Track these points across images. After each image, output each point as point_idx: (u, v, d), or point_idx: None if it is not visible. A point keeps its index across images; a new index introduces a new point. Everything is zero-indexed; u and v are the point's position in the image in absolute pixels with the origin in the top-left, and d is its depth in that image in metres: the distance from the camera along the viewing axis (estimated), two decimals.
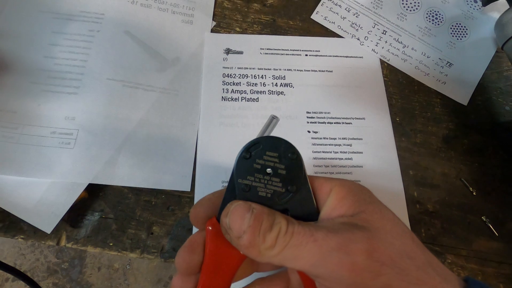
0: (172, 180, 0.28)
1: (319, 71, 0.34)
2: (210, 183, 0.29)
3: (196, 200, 0.28)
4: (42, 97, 0.28)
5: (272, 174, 0.17)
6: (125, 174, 0.28)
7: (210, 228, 0.17)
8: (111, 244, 0.27)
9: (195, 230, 0.27)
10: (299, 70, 0.34)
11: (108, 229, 0.27)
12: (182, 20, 0.35)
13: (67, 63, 0.30)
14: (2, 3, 0.31)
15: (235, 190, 0.17)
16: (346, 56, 0.35)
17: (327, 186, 0.18)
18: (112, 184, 0.28)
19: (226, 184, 0.29)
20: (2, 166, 0.26)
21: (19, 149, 0.27)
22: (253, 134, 0.31)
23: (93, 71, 0.30)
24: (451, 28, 0.36)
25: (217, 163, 0.29)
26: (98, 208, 0.28)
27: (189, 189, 0.28)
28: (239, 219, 0.16)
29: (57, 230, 0.26)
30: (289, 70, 0.34)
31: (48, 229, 0.25)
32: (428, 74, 0.35)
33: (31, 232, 0.27)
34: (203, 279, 0.17)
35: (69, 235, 0.27)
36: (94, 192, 0.28)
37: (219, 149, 0.30)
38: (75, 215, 0.27)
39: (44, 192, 0.26)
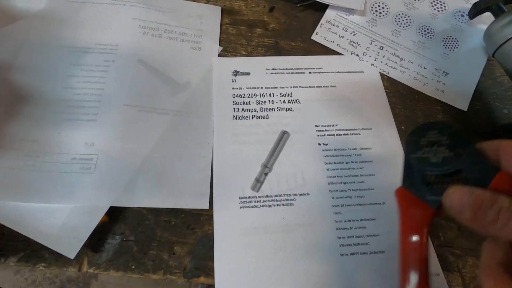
0: (190, 199, 0.29)
1: (324, 86, 0.36)
2: (228, 199, 0.29)
3: (215, 217, 0.28)
4: (62, 125, 0.30)
5: (438, 145, 0.20)
6: (144, 196, 0.28)
7: (398, 196, 0.22)
8: (133, 267, 0.27)
9: (217, 247, 0.27)
10: (304, 87, 0.36)
11: (129, 251, 0.27)
12: (191, 47, 0.37)
13: (85, 92, 0.31)
14: (22, 39, 0.33)
15: (410, 165, 0.22)
16: (348, 72, 0.37)
17: (491, 145, 0.19)
18: (133, 206, 0.28)
19: (243, 199, 0.29)
20: (25, 194, 0.26)
21: (42, 177, 0.27)
22: (266, 149, 0.32)
23: (110, 98, 0.31)
24: (443, 40, 0.39)
25: (233, 179, 0.30)
26: (119, 231, 0.28)
27: (207, 207, 0.29)
28: (458, 200, 0.18)
29: (78, 256, 0.26)
30: (295, 87, 0.36)
31: (71, 255, 0.25)
32: (427, 83, 0.37)
33: (52, 259, 0.27)
34: (402, 234, 0.22)
35: (91, 260, 0.27)
36: (114, 215, 0.28)
37: (235, 166, 0.31)
38: (95, 240, 0.27)
39: (67, 218, 0.26)
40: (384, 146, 0.33)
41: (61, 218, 0.26)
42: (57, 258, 0.26)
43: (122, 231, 0.28)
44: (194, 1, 0.41)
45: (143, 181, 0.29)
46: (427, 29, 0.39)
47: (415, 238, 0.21)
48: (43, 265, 0.26)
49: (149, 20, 0.37)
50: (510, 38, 0.33)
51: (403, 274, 0.21)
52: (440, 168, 0.20)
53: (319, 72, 0.37)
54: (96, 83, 0.32)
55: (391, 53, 0.38)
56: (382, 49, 0.38)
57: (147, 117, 0.31)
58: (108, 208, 0.27)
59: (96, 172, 0.28)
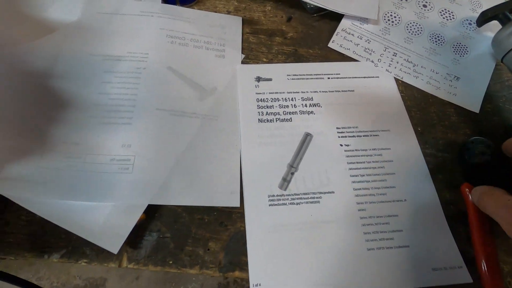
0: (221, 197, 0.30)
1: (342, 91, 0.38)
2: (257, 197, 0.31)
3: (246, 214, 0.30)
4: (100, 128, 0.31)
5: (485, 154, 0.32)
6: (178, 194, 0.30)
7: (466, 189, 0.30)
8: (171, 262, 0.28)
9: (249, 242, 0.28)
10: (324, 92, 0.38)
11: (166, 248, 0.28)
12: (215, 55, 0.39)
13: (119, 97, 0.33)
14: (58, 49, 0.35)
15: (471, 167, 0.32)
16: (364, 77, 0.39)
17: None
18: (168, 204, 0.30)
19: (272, 198, 0.31)
20: (69, 193, 0.28)
21: (83, 176, 0.29)
22: (290, 150, 0.33)
23: (143, 103, 0.33)
24: (453, 47, 0.41)
25: (261, 178, 0.32)
26: (155, 229, 0.29)
27: (238, 205, 0.30)
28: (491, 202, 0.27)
29: (118, 252, 0.28)
30: (315, 92, 0.38)
31: (115, 250, 0.26)
32: (439, 87, 0.39)
33: (93, 255, 0.28)
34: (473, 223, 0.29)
35: (130, 256, 0.28)
36: (150, 213, 0.29)
37: (262, 166, 0.32)
38: (134, 237, 0.28)
39: (108, 215, 0.28)
40: (402, 147, 0.35)
41: (103, 215, 0.27)
42: (98, 254, 0.28)
43: (159, 229, 0.29)
44: (216, 12, 0.43)
45: (177, 181, 0.30)
46: (438, 36, 0.42)
47: (483, 223, 0.28)
48: (85, 261, 0.28)
49: (176, 30, 0.39)
50: None
51: (479, 257, 0.28)
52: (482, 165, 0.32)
53: (337, 78, 0.39)
54: (129, 89, 0.34)
55: (405, 59, 0.40)
56: (395, 56, 0.40)
57: (179, 121, 0.33)
58: (146, 206, 0.29)
59: (134, 172, 0.30)
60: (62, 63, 0.34)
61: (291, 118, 0.36)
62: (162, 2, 0.41)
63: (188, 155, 0.32)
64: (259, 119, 0.35)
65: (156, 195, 0.29)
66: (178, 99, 0.34)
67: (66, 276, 1.00)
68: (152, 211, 0.30)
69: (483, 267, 0.27)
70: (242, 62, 0.39)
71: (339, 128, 0.35)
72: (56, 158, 0.29)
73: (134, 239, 0.29)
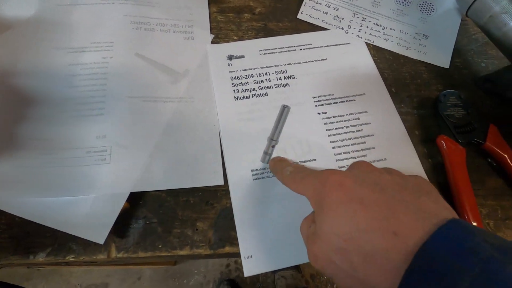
0: (205, 177, 0.30)
1: (315, 60, 0.38)
2: (241, 173, 0.31)
3: (231, 191, 0.30)
4: (73, 122, 0.30)
5: (457, 106, 0.33)
6: (161, 179, 0.29)
7: (443, 142, 0.32)
8: (160, 246, 0.28)
9: (236, 217, 0.29)
10: (297, 63, 0.38)
11: (154, 233, 0.28)
12: (184, 37, 0.38)
13: (89, 89, 0.32)
14: (18, 46, 0.34)
15: (443, 119, 0.33)
16: (336, 45, 0.39)
17: None
18: (151, 190, 0.29)
19: (255, 172, 0.31)
20: (46, 189, 0.27)
21: (60, 171, 0.28)
22: (269, 124, 0.33)
23: (113, 92, 0.32)
24: (419, 6, 0.42)
25: (243, 154, 0.32)
26: (141, 216, 0.29)
27: (222, 183, 0.30)
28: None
29: (106, 243, 0.27)
30: (288, 64, 0.38)
31: (101, 240, 0.26)
32: (410, 47, 0.39)
33: (80, 250, 0.27)
34: (451, 169, 0.30)
35: (118, 245, 0.28)
36: (134, 201, 0.29)
37: (242, 142, 0.32)
38: (120, 226, 0.28)
39: (90, 207, 0.27)
40: (378, 108, 0.35)
41: (85, 208, 0.27)
42: (85, 248, 0.27)
43: (145, 215, 0.29)
44: None
45: (158, 166, 0.30)
46: None
47: (461, 169, 0.30)
48: (73, 256, 0.27)
49: (140, 15, 0.38)
50: None
51: (459, 203, 0.29)
52: (461, 121, 0.32)
53: (309, 48, 0.39)
54: (98, 80, 0.33)
55: (374, 23, 0.40)
56: (364, 20, 0.40)
57: (153, 106, 0.33)
58: (128, 194, 0.28)
59: (112, 162, 0.29)
60: (24, 60, 0.33)
61: (267, 93, 0.35)
62: None
63: (167, 140, 0.31)
64: (235, 97, 0.35)
65: (137, 182, 0.29)
66: (150, 85, 0.34)
67: (66, 285, 0.99)
68: (136, 199, 0.29)
69: (464, 214, 0.28)
70: (213, 42, 0.39)
71: (316, 97, 0.36)
72: (30, 156, 0.28)
73: (121, 228, 0.28)
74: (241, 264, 0.27)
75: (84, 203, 0.27)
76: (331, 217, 0.20)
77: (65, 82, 0.32)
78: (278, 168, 0.28)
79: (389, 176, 0.21)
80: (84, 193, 0.28)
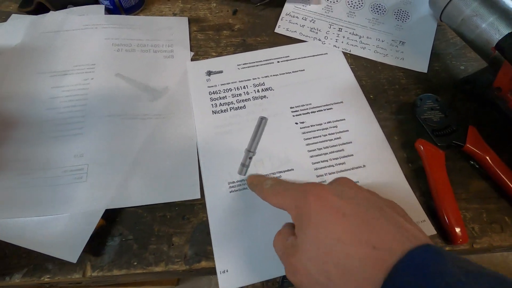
0: (182, 191, 0.30)
1: (293, 72, 0.38)
2: (218, 186, 0.31)
3: (207, 204, 0.30)
4: (51, 142, 0.31)
5: (434, 109, 0.33)
6: (137, 195, 0.29)
7: (421, 146, 0.31)
8: (135, 263, 0.28)
9: (212, 231, 0.28)
10: (275, 75, 0.38)
11: (130, 250, 0.28)
12: (164, 56, 0.39)
13: (68, 110, 0.33)
14: (4, 70, 0.35)
15: (421, 123, 0.32)
16: (313, 55, 0.40)
17: None
18: (127, 206, 0.29)
19: (232, 184, 0.31)
20: (22, 209, 0.27)
21: (36, 192, 0.28)
22: (247, 136, 0.34)
23: (93, 112, 0.33)
24: (394, 14, 0.42)
25: (220, 167, 0.32)
26: (117, 233, 0.29)
27: (199, 196, 0.30)
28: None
29: (81, 261, 0.27)
30: (266, 77, 0.38)
31: (73, 259, 0.26)
32: (387, 54, 0.39)
33: (56, 270, 0.27)
34: (430, 174, 0.30)
35: (94, 264, 0.28)
36: (110, 218, 0.29)
37: (220, 155, 0.32)
38: (96, 244, 0.28)
39: (65, 226, 0.27)
40: (357, 116, 0.35)
41: (60, 227, 0.27)
42: (60, 268, 0.27)
43: (121, 232, 0.29)
44: (163, 15, 0.43)
45: (135, 182, 0.30)
46: (379, 6, 0.43)
47: (440, 173, 0.29)
48: (48, 276, 0.27)
49: (121, 37, 0.39)
50: (450, 0, 0.36)
51: (440, 208, 0.28)
52: (439, 124, 0.32)
53: (287, 60, 0.40)
54: (78, 101, 0.34)
55: (350, 33, 0.41)
56: (341, 31, 0.41)
57: (131, 124, 0.33)
58: (103, 212, 0.28)
59: (89, 180, 0.29)
60: (8, 84, 0.34)
61: (244, 105, 0.36)
62: (105, 13, 0.41)
63: (144, 156, 0.32)
64: (213, 111, 0.35)
65: (113, 199, 0.29)
66: (129, 103, 0.34)
67: None
68: (113, 216, 0.29)
69: (445, 218, 0.27)
70: (192, 59, 0.40)
71: (293, 107, 0.36)
72: (6, 177, 0.29)
73: (97, 246, 0.28)
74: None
75: (59, 222, 0.27)
76: (312, 229, 0.20)
77: (46, 104, 0.33)
78: (256, 182, 0.28)
79: (368, 194, 0.22)
80: (59, 211, 0.28)
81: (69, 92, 0.34)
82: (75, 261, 0.26)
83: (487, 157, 0.30)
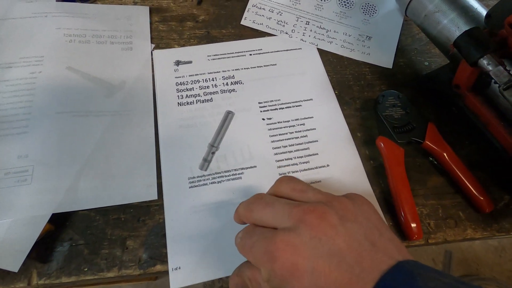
0: (138, 192, 0.29)
1: (264, 66, 0.37)
2: (177, 182, 0.29)
3: (165, 201, 0.28)
4: None
5: (396, 106, 0.33)
6: (89, 197, 0.28)
7: (381, 143, 0.31)
8: (86, 269, 0.26)
9: (168, 231, 0.27)
10: (246, 68, 0.37)
11: (80, 255, 0.27)
12: (121, 48, 0.37)
13: (12, 107, 0.31)
14: None
15: (382, 120, 0.32)
16: (286, 50, 0.39)
17: None
18: (78, 210, 0.28)
19: (192, 179, 0.30)
20: None
21: None
22: (212, 130, 0.32)
23: (40, 109, 0.31)
24: (362, 8, 0.42)
25: (181, 162, 0.30)
26: (67, 238, 0.27)
27: (156, 197, 0.29)
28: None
29: (26, 269, 0.25)
30: (237, 70, 0.37)
31: (15, 268, 0.24)
32: (353, 49, 0.39)
33: None
34: (389, 169, 0.30)
35: (40, 271, 0.26)
36: (60, 222, 0.27)
37: (182, 149, 0.31)
38: (43, 250, 0.26)
39: (6, 232, 0.25)
40: (325, 114, 0.34)
41: (1, 234, 0.25)
42: (3, 277, 0.25)
43: (71, 237, 0.27)
44: (122, 4, 0.41)
45: (86, 184, 0.28)
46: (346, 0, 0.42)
47: (399, 170, 0.29)
48: None
49: (74, 27, 0.37)
50: None
51: (397, 204, 0.28)
52: (400, 121, 0.32)
53: (259, 54, 0.38)
54: (23, 96, 0.31)
55: (317, 27, 0.40)
56: (308, 24, 0.40)
57: (83, 121, 0.31)
58: (50, 216, 0.26)
59: (34, 183, 0.27)
60: None
61: (211, 98, 0.34)
62: (57, 0, 0.38)
63: (97, 156, 0.30)
64: (178, 102, 0.34)
65: (61, 203, 0.27)
66: (81, 99, 0.32)
67: None
68: (62, 220, 0.27)
69: (401, 215, 0.28)
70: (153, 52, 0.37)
71: (261, 103, 0.35)
72: None
73: (44, 252, 0.26)
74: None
75: (0, 228, 0.25)
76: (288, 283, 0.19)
77: None
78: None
79: (335, 220, 0.20)
80: (1, 217, 0.26)
81: (14, 87, 0.32)
82: (16, 270, 0.24)
83: (444, 154, 0.30)
